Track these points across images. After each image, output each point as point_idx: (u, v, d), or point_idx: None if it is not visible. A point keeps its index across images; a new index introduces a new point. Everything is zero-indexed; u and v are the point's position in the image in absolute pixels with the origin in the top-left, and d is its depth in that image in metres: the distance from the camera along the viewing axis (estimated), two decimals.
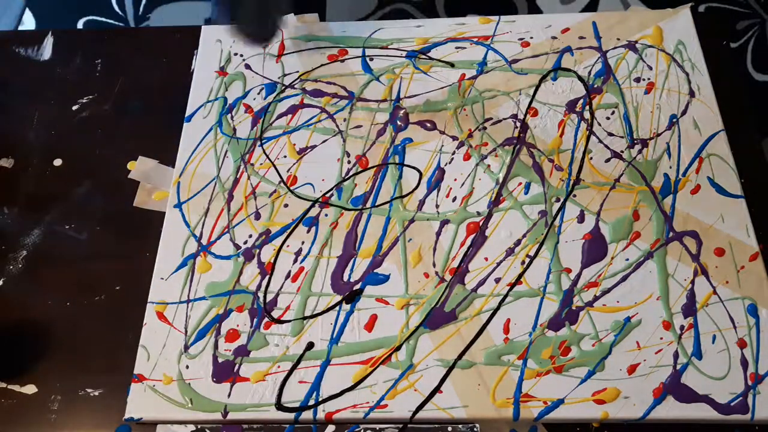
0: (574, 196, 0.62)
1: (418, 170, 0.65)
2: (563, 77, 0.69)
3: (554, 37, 0.72)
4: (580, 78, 0.69)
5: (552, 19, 0.73)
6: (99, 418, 0.56)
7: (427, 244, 0.61)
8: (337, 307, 0.58)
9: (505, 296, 0.58)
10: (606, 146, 0.65)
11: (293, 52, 0.73)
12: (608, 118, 0.67)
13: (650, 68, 0.69)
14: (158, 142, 0.69)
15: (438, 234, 0.61)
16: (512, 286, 0.58)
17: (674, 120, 0.66)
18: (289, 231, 0.62)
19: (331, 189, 0.64)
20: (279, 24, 0.58)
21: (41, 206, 0.66)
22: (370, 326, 0.57)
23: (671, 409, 0.53)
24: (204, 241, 0.62)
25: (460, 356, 0.56)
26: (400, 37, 0.73)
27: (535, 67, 0.70)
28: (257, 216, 0.63)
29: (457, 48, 0.72)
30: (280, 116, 0.69)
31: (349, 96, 0.70)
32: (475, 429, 0.53)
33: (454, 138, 0.66)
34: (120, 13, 1.56)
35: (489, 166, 0.65)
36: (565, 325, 0.57)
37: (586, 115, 0.67)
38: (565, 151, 0.65)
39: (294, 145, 0.67)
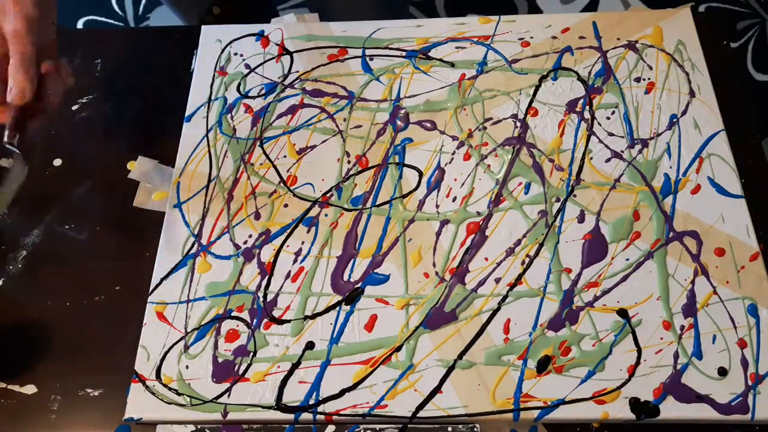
0: (574, 196, 0.62)
1: (418, 170, 0.65)
2: (563, 77, 0.69)
3: (554, 37, 0.72)
4: (580, 78, 0.69)
5: (552, 19, 0.73)
6: (99, 418, 0.56)
7: (427, 244, 0.61)
8: (337, 307, 0.58)
9: (506, 296, 0.58)
10: (606, 146, 0.65)
11: (293, 52, 0.73)
12: (608, 118, 0.67)
13: (650, 68, 0.69)
14: (158, 142, 0.69)
15: (438, 234, 0.61)
16: (512, 286, 0.58)
17: (674, 120, 0.66)
18: (289, 231, 0.62)
19: (331, 189, 0.64)
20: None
21: (41, 206, 0.66)
22: (370, 326, 0.57)
23: (671, 409, 0.53)
24: (204, 241, 0.62)
25: (460, 356, 0.56)
26: (400, 37, 0.73)
27: (535, 67, 0.70)
28: (257, 216, 0.63)
29: (457, 48, 0.72)
30: (280, 116, 0.69)
31: (349, 96, 0.70)
32: (475, 429, 0.53)
33: (454, 138, 0.66)
34: (120, 13, 1.56)
35: (489, 166, 0.65)
36: (565, 325, 0.57)
37: (586, 115, 0.67)
38: (565, 151, 0.65)
39: (294, 145, 0.67)
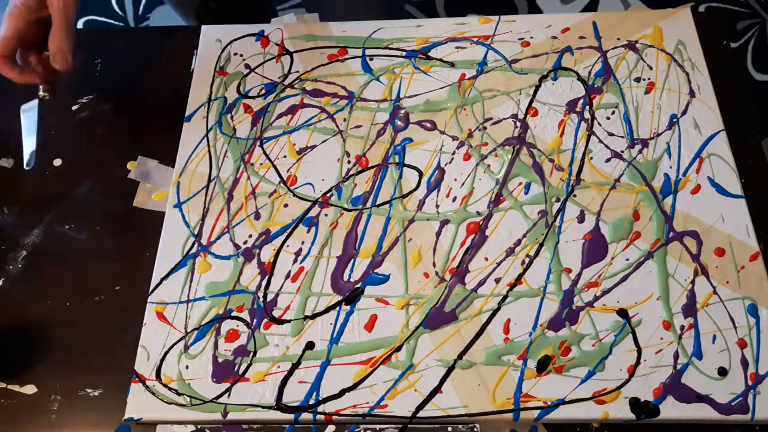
0: (574, 196, 0.62)
1: (418, 170, 0.65)
2: (563, 77, 0.69)
3: (554, 37, 0.72)
4: (580, 78, 0.69)
5: (552, 19, 0.73)
6: (99, 418, 0.56)
7: (427, 244, 0.61)
8: (337, 307, 0.58)
9: (505, 296, 0.58)
10: (606, 146, 0.65)
11: (293, 52, 0.73)
12: (608, 118, 0.67)
13: (650, 68, 0.69)
14: (158, 142, 0.69)
15: (438, 234, 0.61)
16: (512, 286, 0.58)
17: (674, 120, 0.66)
18: (289, 231, 0.62)
19: (331, 189, 0.64)
20: None
21: (41, 206, 0.66)
22: (370, 326, 0.57)
23: (671, 409, 0.53)
24: (204, 241, 0.62)
25: (460, 356, 0.56)
26: (400, 37, 0.73)
27: (535, 67, 0.70)
28: (257, 216, 0.63)
29: (457, 48, 0.72)
30: (280, 116, 0.69)
31: (349, 96, 0.70)
32: (475, 429, 0.53)
33: (454, 138, 0.66)
34: (120, 13, 1.56)
35: (489, 166, 0.65)
36: (565, 325, 0.57)
37: (586, 115, 0.67)
38: (565, 151, 0.65)
39: (294, 145, 0.67)
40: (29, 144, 0.65)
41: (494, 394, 0.54)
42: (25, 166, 0.64)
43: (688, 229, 0.60)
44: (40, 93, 0.64)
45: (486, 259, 0.60)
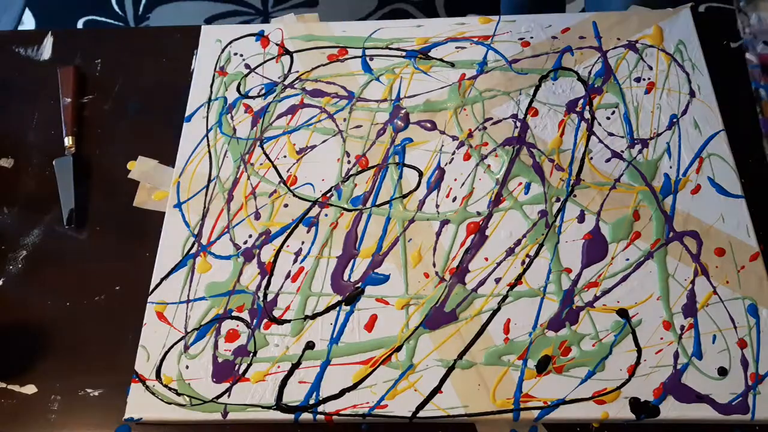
0: (574, 196, 0.62)
1: (418, 170, 0.65)
2: (563, 77, 0.69)
3: (554, 37, 0.72)
4: (580, 78, 0.69)
5: (552, 19, 0.73)
6: (99, 418, 0.56)
7: (427, 244, 0.61)
8: (337, 307, 0.58)
9: (506, 296, 0.58)
10: (606, 146, 0.65)
11: (293, 52, 0.73)
12: (608, 118, 0.67)
13: (650, 68, 0.69)
14: (158, 142, 0.69)
15: (438, 234, 0.61)
16: (512, 286, 0.58)
17: (674, 120, 0.66)
18: (289, 231, 0.62)
19: (331, 189, 0.64)
20: None
21: (41, 206, 0.66)
22: (370, 326, 0.57)
23: (671, 409, 0.53)
24: (204, 241, 0.62)
25: (460, 356, 0.56)
26: (400, 37, 0.73)
27: (535, 67, 0.70)
28: (257, 216, 0.63)
29: (457, 48, 0.72)
30: (280, 116, 0.69)
31: (349, 96, 0.70)
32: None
33: (454, 138, 0.66)
34: (120, 13, 1.56)
35: (489, 166, 0.65)
36: (565, 325, 0.57)
37: (586, 115, 0.67)
38: (565, 151, 0.65)
39: (294, 145, 0.67)
40: (67, 201, 0.65)
41: (494, 394, 0.54)
42: (65, 224, 0.64)
43: (688, 229, 0.60)
44: (67, 144, 0.67)
45: (486, 259, 0.60)
